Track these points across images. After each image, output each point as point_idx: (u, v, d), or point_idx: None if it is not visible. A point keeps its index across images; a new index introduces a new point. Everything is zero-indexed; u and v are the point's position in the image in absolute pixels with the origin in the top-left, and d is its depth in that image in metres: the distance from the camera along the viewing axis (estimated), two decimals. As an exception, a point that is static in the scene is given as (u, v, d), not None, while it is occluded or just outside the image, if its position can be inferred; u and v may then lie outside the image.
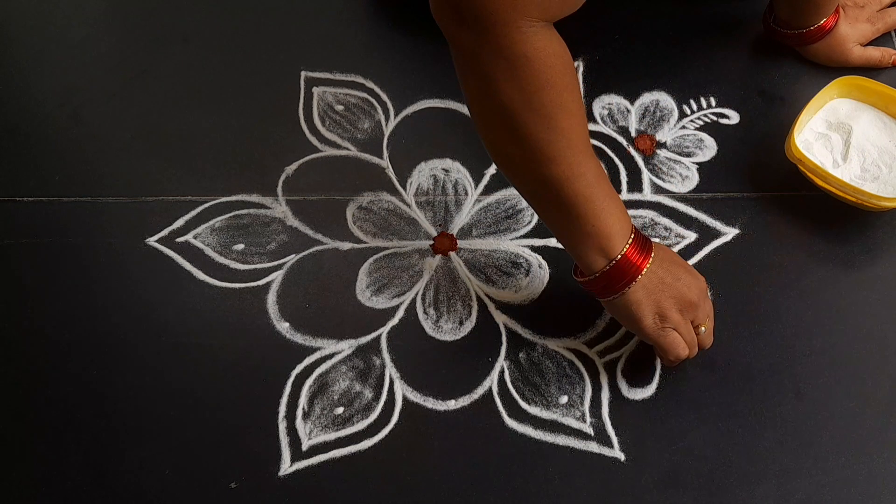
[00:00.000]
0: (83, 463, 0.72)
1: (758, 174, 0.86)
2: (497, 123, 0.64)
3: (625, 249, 0.66)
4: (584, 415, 0.73)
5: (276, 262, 0.82)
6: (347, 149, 0.90)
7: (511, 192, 0.86)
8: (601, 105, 0.91)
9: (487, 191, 0.86)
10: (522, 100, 0.62)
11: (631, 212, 0.84)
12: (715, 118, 0.90)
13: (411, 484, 0.70)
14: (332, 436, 0.73)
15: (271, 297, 0.80)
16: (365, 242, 0.84)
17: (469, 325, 0.78)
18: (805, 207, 0.83)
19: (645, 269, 0.67)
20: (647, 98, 0.91)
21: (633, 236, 0.67)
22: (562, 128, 0.63)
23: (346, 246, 0.84)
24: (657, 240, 0.82)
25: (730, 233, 0.82)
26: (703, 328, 0.71)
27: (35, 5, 1.04)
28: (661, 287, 0.68)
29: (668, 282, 0.68)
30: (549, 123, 0.62)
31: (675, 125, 0.89)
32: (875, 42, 0.92)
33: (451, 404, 0.74)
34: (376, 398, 0.75)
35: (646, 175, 0.86)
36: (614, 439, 0.72)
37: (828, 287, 0.79)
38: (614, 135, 0.89)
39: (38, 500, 0.71)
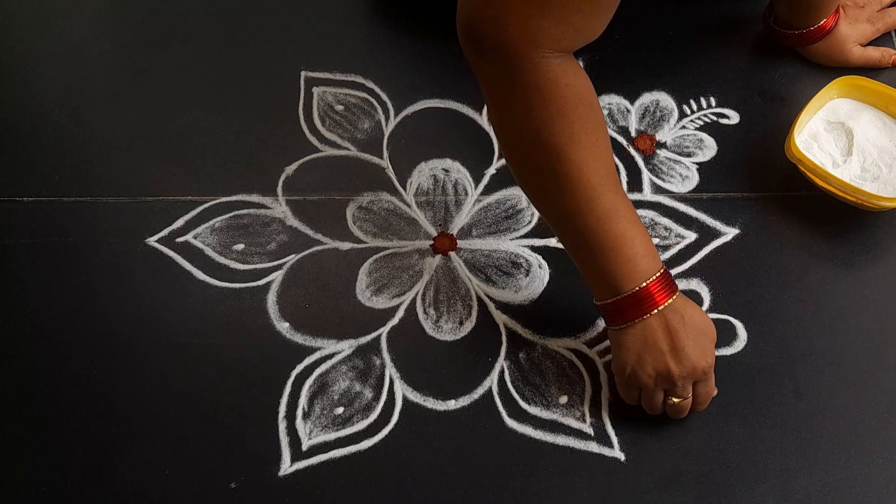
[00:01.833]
0: (83, 463, 0.72)
1: (758, 174, 0.86)
2: (513, 150, 0.66)
3: (620, 296, 0.66)
4: (584, 415, 0.73)
5: (276, 262, 0.82)
6: (347, 149, 0.90)
7: (511, 192, 0.86)
8: (601, 105, 0.91)
9: (487, 191, 0.86)
10: (533, 129, 0.62)
11: (631, 212, 0.84)
12: (715, 118, 0.90)
13: (411, 484, 0.70)
14: (332, 436, 0.73)
15: (271, 297, 0.80)
16: (365, 242, 0.84)
17: (469, 325, 0.78)
18: (805, 207, 0.83)
19: (638, 321, 0.66)
20: (647, 98, 0.91)
21: (644, 284, 0.65)
22: (571, 160, 0.63)
23: (346, 246, 0.84)
24: (657, 240, 0.82)
25: (730, 233, 0.82)
26: (672, 400, 0.69)
27: (35, 5, 1.04)
28: (649, 348, 0.66)
29: (659, 346, 0.66)
30: (559, 155, 0.62)
31: (675, 125, 0.89)
32: (875, 42, 0.92)
33: (451, 404, 0.74)
34: (376, 398, 0.75)
35: (646, 175, 0.86)
36: (614, 439, 0.72)
37: (828, 287, 0.79)
38: (614, 135, 0.89)
39: (38, 500, 0.71)
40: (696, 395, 0.69)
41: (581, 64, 0.94)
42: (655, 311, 0.66)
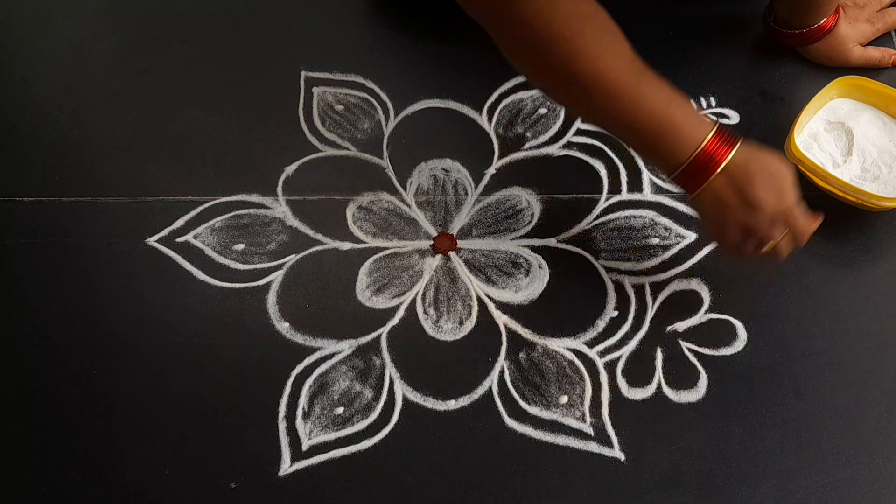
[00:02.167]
0: (83, 463, 0.72)
1: (758, 174, 0.85)
2: (527, 73, 0.69)
3: (682, 166, 0.67)
4: (584, 415, 0.73)
5: (276, 262, 0.82)
6: (347, 149, 0.90)
7: (511, 192, 0.86)
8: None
9: (487, 191, 0.86)
10: (534, 56, 0.65)
11: (631, 212, 0.84)
12: (715, 118, 0.90)
13: (411, 484, 0.70)
14: (332, 436, 0.73)
15: (271, 297, 0.80)
16: (365, 242, 0.84)
17: (469, 325, 0.78)
18: (805, 207, 0.83)
19: (706, 185, 0.67)
20: (647, 98, 0.91)
21: (699, 148, 0.66)
22: (586, 74, 0.64)
23: (346, 246, 0.84)
24: (657, 240, 0.82)
25: (730, 233, 0.82)
26: (767, 247, 0.70)
27: (35, 5, 1.04)
28: (724, 208, 0.67)
29: (731, 204, 0.67)
30: (575, 75, 0.64)
31: (675, 125, 0.89)
32: (875, 42, 0.92)
33: (451, 404, 0.74)
34: (376, 398, 0.75)
35: (646, 175, 0.86)
36: (614, 439, 0.72)
37: (828, 287, 0.79)
38: (614, 135, 0.89)
39: (38, 500, 0.71)
40: (792, 233, 0.70)
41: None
42: (718, 169, 0.66)
